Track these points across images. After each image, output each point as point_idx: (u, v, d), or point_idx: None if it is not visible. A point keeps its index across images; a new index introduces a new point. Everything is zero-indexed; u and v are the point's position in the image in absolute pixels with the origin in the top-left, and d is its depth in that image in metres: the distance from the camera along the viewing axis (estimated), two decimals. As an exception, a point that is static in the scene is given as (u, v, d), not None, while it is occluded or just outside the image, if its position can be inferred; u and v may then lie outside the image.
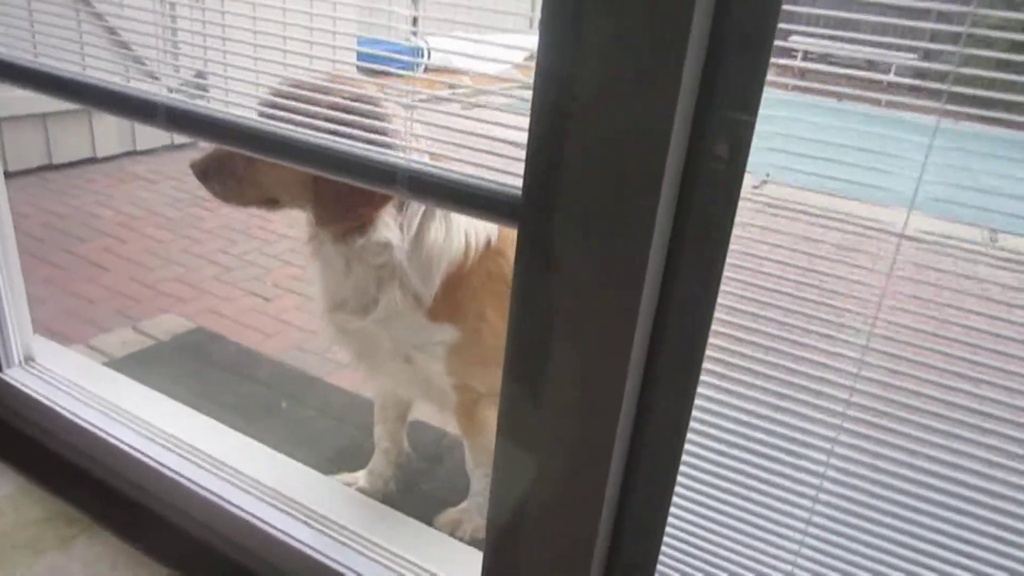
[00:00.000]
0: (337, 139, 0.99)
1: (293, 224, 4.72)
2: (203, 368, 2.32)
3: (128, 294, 3.61)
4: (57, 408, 1.64)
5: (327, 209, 1.48)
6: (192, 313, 3.45)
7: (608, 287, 0.80)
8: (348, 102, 1.31)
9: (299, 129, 1.01)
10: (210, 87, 1.06)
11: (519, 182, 0.84)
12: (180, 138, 5.94)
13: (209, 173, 1.49)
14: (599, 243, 0.80)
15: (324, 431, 2.14)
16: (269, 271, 4.07)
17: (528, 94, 0.81)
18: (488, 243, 1.57)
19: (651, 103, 0.72)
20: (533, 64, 0.79)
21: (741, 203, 0.81)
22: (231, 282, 3.89)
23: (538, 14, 0.77)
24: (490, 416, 1.70)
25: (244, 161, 1.44)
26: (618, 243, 0.78)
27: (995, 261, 0.82)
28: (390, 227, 1.47)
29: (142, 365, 2.33)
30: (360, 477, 1.98)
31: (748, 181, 0.83)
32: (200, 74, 1.32)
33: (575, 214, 0.80)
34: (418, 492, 1.98)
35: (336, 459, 2.03)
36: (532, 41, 0.80)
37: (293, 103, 1.23)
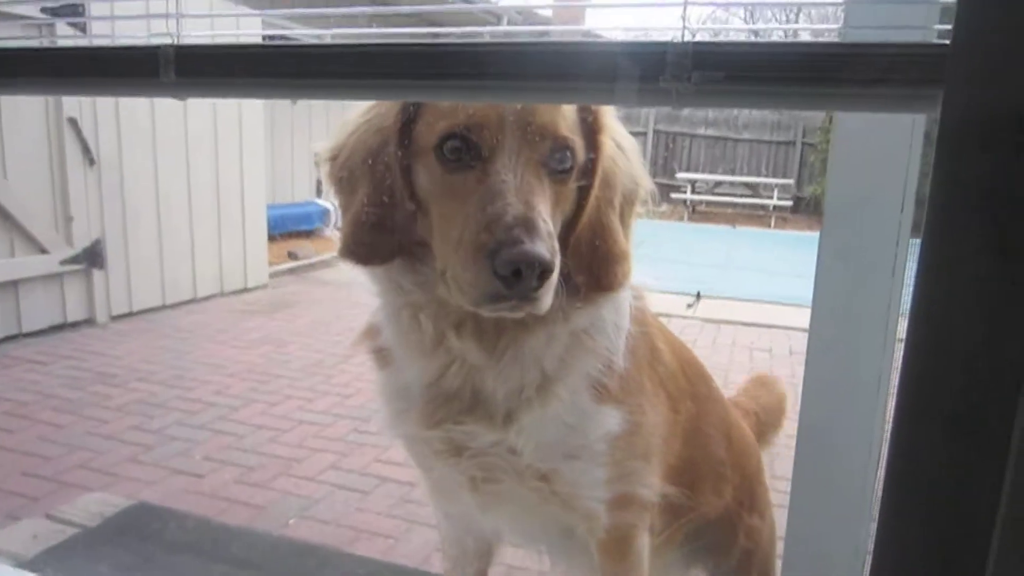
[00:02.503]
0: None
1: (220, 390, 4.12)
2: (157, 554, 1.70)
3: (20, 491, 2.87)
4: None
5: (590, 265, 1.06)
6: (106, 503, 2.74)
7: None
8: None
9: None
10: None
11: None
12: (74, 315, 5.28)
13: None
14: None
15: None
16: (197, 443, 3.42)
17: None
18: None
19: None
20: None
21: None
22: (152, 462, 3.22)
23: None
24: (645, 547, 1.22)
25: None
26: None
27: None
28: None
29: (67, 561, 1.68)
30: None
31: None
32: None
33: None
34: None
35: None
36: None
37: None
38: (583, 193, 1.05)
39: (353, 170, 1.03)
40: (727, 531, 1.49)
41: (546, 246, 0.87)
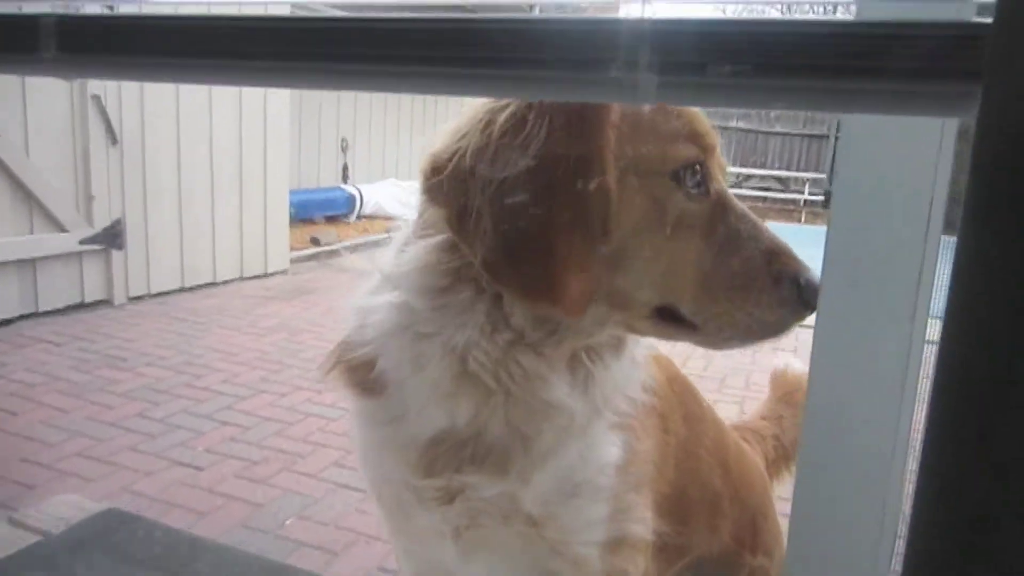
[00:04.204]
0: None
1: (229, 379, 4.05)
2: (117, 568, 1.60)
3: (14, 478, 2.82)
4: None
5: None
6: (101, 495, 2.68)
7: None
8: None
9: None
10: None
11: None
12: (91, 295, 5.26)
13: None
14: None
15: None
16: (200, 434, 3.35)
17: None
18: None
19: None
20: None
21: None
22: (152, 451, 3.15)
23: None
24: None
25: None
26: None
27: None
28: None
29: (20, 573, 1.59)
30: None
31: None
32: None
33: None
34: None
35: None
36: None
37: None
38: None
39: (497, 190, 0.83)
40: (727, 572, 1.36)
41: None
